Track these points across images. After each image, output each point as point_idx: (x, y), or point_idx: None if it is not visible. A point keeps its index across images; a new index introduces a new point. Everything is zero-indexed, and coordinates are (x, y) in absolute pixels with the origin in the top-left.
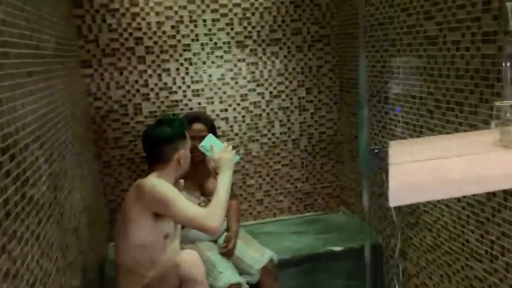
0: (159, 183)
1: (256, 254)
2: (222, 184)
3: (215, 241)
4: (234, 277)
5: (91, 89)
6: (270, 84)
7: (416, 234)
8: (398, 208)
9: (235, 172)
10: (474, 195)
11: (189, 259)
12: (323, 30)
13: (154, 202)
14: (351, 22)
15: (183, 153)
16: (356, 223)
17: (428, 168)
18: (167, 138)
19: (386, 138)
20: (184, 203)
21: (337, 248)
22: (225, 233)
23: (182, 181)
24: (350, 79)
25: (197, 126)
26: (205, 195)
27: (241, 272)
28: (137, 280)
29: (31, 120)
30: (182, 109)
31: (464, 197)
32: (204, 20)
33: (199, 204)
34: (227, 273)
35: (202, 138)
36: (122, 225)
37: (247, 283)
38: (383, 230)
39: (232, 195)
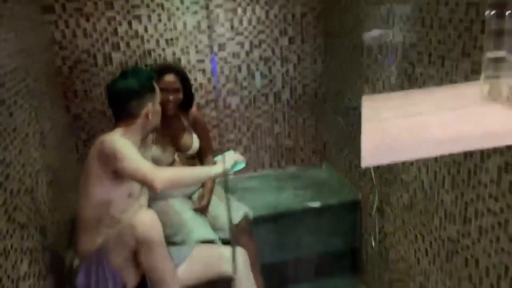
0: (118, 141)
1: (230, 211)
2: (202, 171)
3: (189, 197)
4: (207, 234)
5: (56, 37)
6: (250, 33)
7: (394, 192)
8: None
9: (214, 126)
10: (451, 154)
11: (145, 220)
12: None
13: (111, 159)
14: None
15: (152, 107)
16: (337, 179)
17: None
18: (133, 91)
19: (367, 92)
20: (136, 159)
21: (315, 204)
22: (200, 189)
23: (151, 136)
24: (338, 28)
25: (169, 77)
26: (180, 150)
27: (215, 229)
28: (95, 237)
29: None
30: (155, 60)
31: (441, 156)
32: None
33: (173, 161)
34: (199, 230)
35: (174, 90)
36: (84, 181)
37: (221, 240)
38: (363, 187)
39: (210, 149)
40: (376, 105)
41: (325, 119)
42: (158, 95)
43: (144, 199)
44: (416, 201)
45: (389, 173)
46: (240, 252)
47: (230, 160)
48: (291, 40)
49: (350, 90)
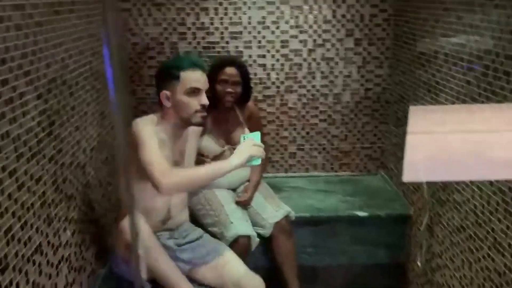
0: (143, 126)
1: (272, 209)
2: (216, 167)
3: (234, 190)
4: (245, 229)
5: (129, 24)
6: (315, 32)
7: (445, 211)
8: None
9: (269, 122)
10: (508, 180)
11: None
12: None
13: (135, 143)
14: None
15: (170, 97)
16: (391, 190)
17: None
18: (156, 73)
19: (429, 102)
20: (152, 152)
21: (362, 214)
22: (246, 183)
23: (196, 129)
24: (407, 32)
25: (230, 70)
26: (229, 143)
27: (255, 224)
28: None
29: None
30: (218, 52)
31: (497, 181)
32: None
33: (222, 152)
34: (238, 224)
35: (233, 83)
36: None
37: (261, 236)
38: (416, 201)
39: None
40: (434, 116)
41: (386, 126)
42: (182, 84)
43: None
44: (467, 225)
45: (443, 191)
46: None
47: (244, 152)
48: (357, 42)
49: (412, 97)
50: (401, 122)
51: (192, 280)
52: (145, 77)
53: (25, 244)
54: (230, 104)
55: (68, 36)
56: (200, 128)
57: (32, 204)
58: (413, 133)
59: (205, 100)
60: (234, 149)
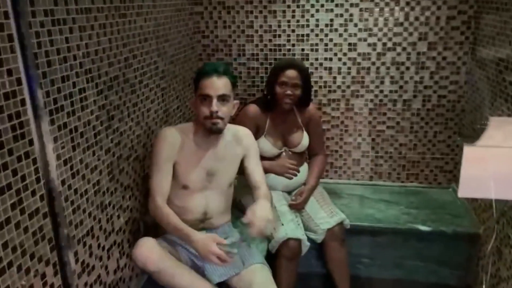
0: (159, 136)
1: (325, 214)
2: (181, 229)
3: (289, 193)
4: (295, 232)
5: (200, 27)
6: (385, 35)
7: None
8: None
9: (333, 126)
10: None
11: (142, 251)
12: None
13: None
14: None
15: (193, 101)
16: (462, 205)
17: None
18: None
19: (505, 113)
20: (157, 166)
21: (424, 228)
22: (302, 186)
23: (241, 135)
24: (486, 36)
25: (290, 72)
26: (288, 146)
27: (307, 229)
28: None
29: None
30: (284, 54)
31: None
32: None
33: (280, 153)
34: (289, 227)
35: (293, 85)
36: None
37: (313, 241)
38: (486, 221)
39: (321, 149)
40: (504, 129)
41: (461, 137)
42: (199, 91)
43: (210, 193)
44: None
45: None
46: None
47: (203, 249)
48: (431, 46)
49: (488, 107)
50: (478, 133)
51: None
52: None
53: (76, 226)
54: (288, 106)
55: (133, 37)
56: (246, 133)
57: (86, 191)
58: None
59: (214, 107)
60: (291, 151)
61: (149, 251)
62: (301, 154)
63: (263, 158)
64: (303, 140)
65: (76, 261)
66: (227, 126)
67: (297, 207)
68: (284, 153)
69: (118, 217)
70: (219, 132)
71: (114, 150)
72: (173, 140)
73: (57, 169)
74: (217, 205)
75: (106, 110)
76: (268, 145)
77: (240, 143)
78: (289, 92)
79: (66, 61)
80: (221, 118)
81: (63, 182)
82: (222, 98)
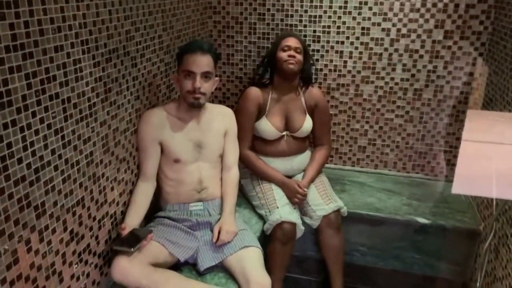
0: (144, 115)
1: (322, 201)
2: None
3: (289, 177)
4: (289, 215)
5: (212, 3)
6: (400, 20)
7: None
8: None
9: (340, 112)
10: None
11: (118, 268)
12: None
13: None
14: None
15: (174, 76)
16: (465, 201)
17: None
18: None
19: None
20: (140, 148)
21: (422, 220)
22: (302, 172)
23: (224, 111)
24: (505, 28)
25: (291, 39)
26: (289, 130)
27: (304, 214)
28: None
29: None
30: None
31: None
32: None
33: (281, 136)
34: (283, 210)
35: (295, 49)
36: None
37: (306, 225)
38: (487, 218)
39: (326, 140)
40: (484, 122)
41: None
42: (182, 67)
43: (202, 164)
44: None
45: None
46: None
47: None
48: (447, 34)
49: (500, 101)
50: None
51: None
52: (222, 55)
53: (65, 196)
54: (293, 69)
55: (136, 10)
56: (229, 112)
57: (77, 161)
58: (467, 140)
59: (197, 84)
60: (292, 136)
61: (126, 272)
62: (303, 139)
63: (263, 140)
64: (306, 123)
65: (64, 229)
66: (212, 105)
67: (299, 204)
68: (285, 137)
69: (112, 189)
70: (200, 106)
71: (110, 122)
72: (156, 121)
73: (47, 139)
74: (210, 174)
75: (103, 82)
76: (268, 126)
77: (224, 119)
78: (292, 53)
79: (60, 31)
80: (203, 94)
81: (52, 151)
82: (205, 75)
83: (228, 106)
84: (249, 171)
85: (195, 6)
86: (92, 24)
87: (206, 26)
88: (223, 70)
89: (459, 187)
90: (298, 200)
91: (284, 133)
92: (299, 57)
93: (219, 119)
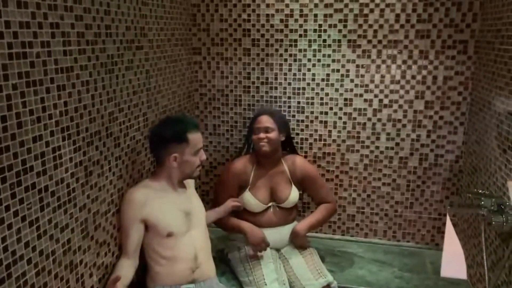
0: (129, 194)
1: (312, 276)
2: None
3: (277, 250)
4: None
5: (198, 76)
6: (381, 91)
7: None
8: (493, 271)
9: (327, 180)
10: None
11: None
12: (460, 35)
13: None
14: (497, 27)
15: (178, 158)
16: None
17: None
18: (161, 139)
19: (499, 182)
20: (123, 227)
21: None
22: (289, 245)
23: (190, 181)
24: (484, 100)
25: (261, 118)
26: (275, 201)
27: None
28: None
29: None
30: (280, 106)
31: None
32: (315, 15)
33: (267, 208)
34: (272, 286)
35: (265, 129)
36: None
37: None
38: None
39: (330, 200)
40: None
41: (459, 198)
42: (191, 146)
43: (195, 232)
44: None
45: (506, 286)
46: None
47: None
48: (427, 105)
49: (484, 171)
50: (472, 199)
51: None
52: (209, 126)
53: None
54: (266, 150)
55: (120, 92)
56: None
57: (52, 251)
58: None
59: (204, 156)
60: (279, 207)
61: None
62: (290, 210)
63: (250, 213)
64: (292, 194)
65: None
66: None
67: (302, 248)
68: (271, 209)
69: (91, 275)
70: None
71: (90, 206)
72: (140, 199)
73: (21, 232)
74: (203, 245)
75: (83, 167)
76: (252, 199)
77: (189, 184)
78: (262, 135)
79: (39, 121)
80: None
81: (26, 244)
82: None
83: (215, 175)
84: (236, 242)
85: (181, 81)
86: (74, 110)
87: (193, 99)
88: (209, 140)
89: (447, 270)
90: (261, 248)
91: (270, 204)
92: (271, 135)
93: (190, 184)
